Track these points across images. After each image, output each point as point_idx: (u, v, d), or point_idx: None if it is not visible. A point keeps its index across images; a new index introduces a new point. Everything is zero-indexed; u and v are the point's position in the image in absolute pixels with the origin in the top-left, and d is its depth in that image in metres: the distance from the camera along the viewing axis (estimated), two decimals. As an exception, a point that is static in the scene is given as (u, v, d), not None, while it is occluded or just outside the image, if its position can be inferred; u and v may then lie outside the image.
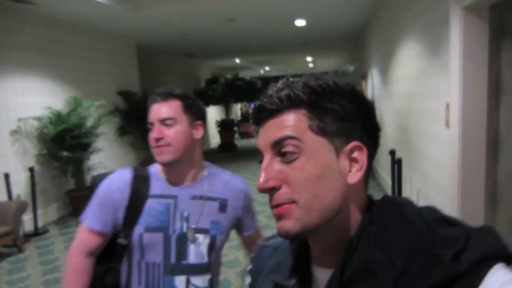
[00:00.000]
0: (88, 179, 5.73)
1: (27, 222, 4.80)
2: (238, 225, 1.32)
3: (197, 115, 1.22)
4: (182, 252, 1.18)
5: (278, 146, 0.53)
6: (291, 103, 0.54)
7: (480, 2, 2.33)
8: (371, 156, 0.57)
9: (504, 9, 2.40)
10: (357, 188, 0.55)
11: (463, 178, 2.70)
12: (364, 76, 8.02)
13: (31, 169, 4.78)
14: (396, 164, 3.78)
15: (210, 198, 1.23)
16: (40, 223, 5.00)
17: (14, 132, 4.80)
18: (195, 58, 11.55)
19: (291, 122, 0.53)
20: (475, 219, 2.68)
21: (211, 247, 1.21)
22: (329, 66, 17.50)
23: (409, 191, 4.27)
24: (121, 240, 1.20)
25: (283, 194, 0.52)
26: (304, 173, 0.52)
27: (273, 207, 0.54)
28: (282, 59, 14.01)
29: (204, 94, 11.33)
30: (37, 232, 4.78)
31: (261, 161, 0.56)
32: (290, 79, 0.57)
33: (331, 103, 0.54)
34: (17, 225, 4.18)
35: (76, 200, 5.44)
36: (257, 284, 0.67)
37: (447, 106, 2.84)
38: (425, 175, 3.58)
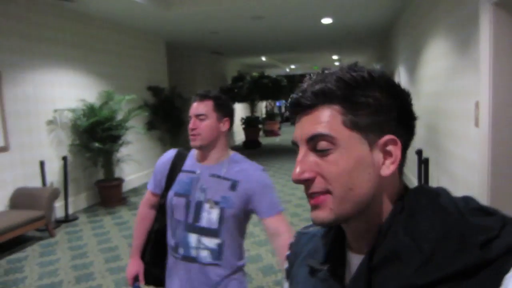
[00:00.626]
0: (117, 170, 5.93)
1: (58, 209, 5.03)
2: (252, 206, 1.49)
3: (225, 112, 1.54)
4: (196, 216, 1.49)
5: (312, 142, 0.55)
6: (325, 98, 0.55)
7: (513, -2, 2.27)
8: (406, 146, 0.58)
9: (538, 5, 2.33)
10: (391, 179, 0.56)
11: (493, 179, 2.64)
12: (391, 75, 7.89)
13: (64, 158, 5.01)
14: (423, 164, 3.71)
15: (225, 178, 1.50)
16: (71, 210, 5.23)
17: (50, 122, 5.04)
18: (222, 56, 11.67)
19: (325, 118, 0.54)
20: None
21: (221, 217, 1.47)
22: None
23: (435, 192, 4.19)
24: (162, 200, 1.62)
25: (318, 184, 0.54)
26: (338, 167, 0.53)
27: (309, 196, 0.56)
28: (308, 57, 13.95)
29: (230, 92, 11.44)
30: (68, 219, 5.01)
31: (297, 151, 0.58)
32: (326, 71, 0.58)
33: (365, 97, 0.54)
34: (49, 210, 4.39)
35: (104, 190, 5.65)
36: (293, 269, 0.70)
37: (477, 104, 2.78)
38: (454, 176, 3.51)
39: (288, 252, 0.75)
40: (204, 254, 1.47)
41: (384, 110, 0.55)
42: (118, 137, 5.62)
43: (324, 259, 0.61)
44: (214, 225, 1.47)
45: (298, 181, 0.55)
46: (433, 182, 4.16)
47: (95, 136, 5.33)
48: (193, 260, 1.48)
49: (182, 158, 1.61)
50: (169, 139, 8.12)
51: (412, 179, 5.29)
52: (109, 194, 5.66)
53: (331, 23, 7.01)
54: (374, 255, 0.52)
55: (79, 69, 5.59)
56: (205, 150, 1.53)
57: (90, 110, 5.34)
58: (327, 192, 0.54)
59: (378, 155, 0.55)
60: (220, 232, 1.47)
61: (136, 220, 1.74)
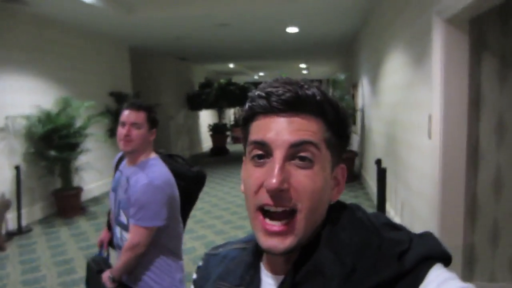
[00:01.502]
0: (76, 179, 5.70)
1: (11, 221, 4.76)
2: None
3: (154, 124, 1.72)
4: (118, 211, 1.72)
5: (296, 148, 0.51)
6: (317, 108, 0.53)
7: (461, 15, 2.38)
8: None
9: (483, 23, 2.46)
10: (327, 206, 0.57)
11: (443, 190, 2.74)
12: (355, 85, 8.10)
13: (17, 168, 4.75)
14: (382, 173, 3.81)
15: (127, 181, 1.68)
16: (24, 222, 4.95)
17: (1, 130, 4.77)
18: (189, 62, 11.57)
19: (314, 128, 0.53)
20: (455, 230, 2.71)
21: (125, 214, 1.68)
22: (322, 74, 17.63)
23: (394, 201, 4.31)
24: None
25: (292, 198, 0.51)
26: (314, 184, 0.51)
27: (271, 211, 0.51)
28: (276, 65, 14.09)
29: (197, 98, 11.34)
30: (21, 231, 4.74)
31: (258, 156, 0.53)
32: (288, 79, 0.55)
33: (338, 121, 0.55)
34: (0, 223, 4.13)
35: (62, 200, 5.40)
36: None
37: (430, 117, 2.88)
38: (409, 185, 3.62)
39: (194, 276, 0.71)
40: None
41: (346, 138, 0.57)
42: (77, 145, 5.41)
43: (238, 282, 0.59)
44: (125, 221, 1.67)
45: (276, 191, 0.49)
46: (391, 192, 4.28)
47: (51, 144, 5.10)
48: (121, 248, 1.70)
49: (122, 159, 1.86)
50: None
51: (372, 187, 5.42)
52: (66, 204, 5.42)
53: (297, 32, 7.11)
54: (298, 271, 0.52)
55: (34, 74, 5.34)
56: (132, 155, 1.70)
57: (46, 117, 5.12)
58: (294, 211, 0.51)
59: (332, 181, 0.56)
60: (128, 227, 1.66)
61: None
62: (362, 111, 7.14)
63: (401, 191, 3.98)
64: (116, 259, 1.75)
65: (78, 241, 4.45)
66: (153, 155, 1.74)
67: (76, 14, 5.43)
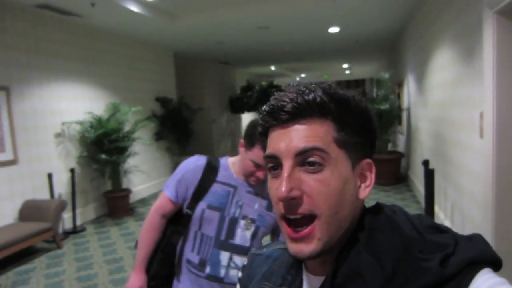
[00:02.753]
0: (124, 181, 5.98)
1: (67, 220, 5.09)
2: (276, 228, 1.48)
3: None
4: (230, 233, 1.42)
5: (303, 155, 0.51)
6: (320, 111, 0.53)
7: (514, 7, 2.23)
8: None
9: (540, 13, 2.28)
10: (362, 201, 0.56)
11: (497, 192, 2.57)
12: (400, 84, 7.81)
13: (72, 170, 5.07)
14: (429, 175, 3.65)
15: (262, 197, 1.46)
16: (79, 222, 5.28)
17: (58, 135, 5.12)
18: (230, 66, 11.75)
19: (320, 132, 0.52)
20: (511, 235, 2.54)
21: (254, 235, 1.43)
22: (366, 73, 17.18)
23: (443, 203, 4.10)
24: (188, 211, 1.47)
25: (306, 205, 0.51)
26: (328, 187, 0.51)
27: (291, 223, 0.52)
28: (318, 66, 13.93)
29: (239, 101, 11.48)
30: (76, 230, 5.05)
31: (272, 168, 0.54)
32: (311, 82, 0.56)
33: (352, 116, 0.54)
34: (57, 222, 4.43)
35: (112, 201, 5.69)
36: None
37: (481, 115, 2.72)
38: (460, 187, 3.44)
39: (239, 275, 0.73)
40: (234, 273, 1.40)
41: (366, 132, 0.56)
42: (125, 149, 5.67)
43: (281, 282, 0.59)
44: (247, 243, 1.42)
45: (286, 200, 0.51)
46: (440, 193, 4.08)
47: (102, 148, 5.39)
48: (220, 280, 1.40)
49: (214, 167, 1.49)
50: (177, 149, 8.17)
51: (420, 189, 5.20)
52: (116, 205, 5.70)
53: (338, 32, 7.00)
54: (337, 275, 0.51)
55: (86, 82, 5.69)
56: None
57: (98, 122, 5.42)
58: (313, 216, 0.51)
59: (357, 177, 0.54)
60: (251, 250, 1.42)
61: (143, 229, 1.53)
62: (408, 110, 6.87)
63: (451, 193, 3.78)
64: None
65: (127, 241, 4.66)
66: None
67: (124, 24, 5.71)
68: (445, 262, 0.46)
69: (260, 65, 12.29)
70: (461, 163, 3.36)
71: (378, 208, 0.56)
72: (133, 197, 6.36)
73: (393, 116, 7.01)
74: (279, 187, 0.51)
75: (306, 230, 0.51)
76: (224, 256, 1.40)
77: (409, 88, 6.70)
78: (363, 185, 0.55)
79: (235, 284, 1.30)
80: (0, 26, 4.35)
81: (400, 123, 7.69)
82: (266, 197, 1.44)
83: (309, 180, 0.51)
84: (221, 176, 1.47)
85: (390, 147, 7.69)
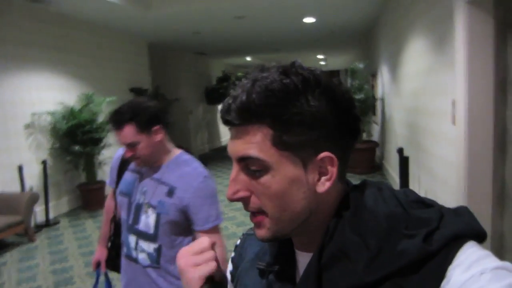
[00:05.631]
0: (99, 173, 5.84)
1: (39, 213, 4.94)
2: (187, 216, 1.43)
3: (151, 123, 1.41)
4: (136, 218, 1.47)
5: (243, 162, 0.52)
6: (253, 117, 0.50)
7: (485, -4, 2.30)
8: (350, 148, 0.56)
9: (509, 2, 2.37)
10: (329, 190, 0.53)
11: (470, 178, 2.66)
12: (374, 74, 7.96)
13: (44, 162, 4.91)
14: (404, 162, 3.75)
15: (162, 183, 1.45)
16: (52, 215, 5.13)
17: (28, 126, 4.93)
18: (206, 56, 11.62)
19: (254, 139, 0.50)
20: (483, 219, 2.64)
21: (157, 222, 1.42)
22: (340, 64, 17.40)
23: (417, 190, 4.23)
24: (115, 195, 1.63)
25: (253, 204, 0.53)
26: (270, 190, 0.51)
27: (251, 213, 0.55)
28: (293, 57, 13.77)
29: (215, 92, 11.40)
30: (49, 223, 4.91)
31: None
32: (257, 74, 0.52)
33: (297, 113, 0.49)
34: (28, 215, 4.29)
35: (86, 193, 5.56)
36: (239, 271, 0.68)
37: (453, 102, 2.81)
38: (433, 174, 3.55)
39: (232, 255, 0.73)
40: (143, 257, 1.45)
41: (320, 124, 0.50)
42: (99, 140, 5.54)
43: (273, 261, 0.59)
44: (151, 230, 1.43)
45: (232, 200, 0.53)
46: (415, 181, 4.21)
47: (75, 139, 5.25)
48: (134, 260, 1.47)
49: None
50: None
51: (394, 177, 5.35)
52: (91, 197, 5.57)
53: (313, 22, 7.04)
54: (323, 254, 0.51)
55: (58, 72, 5.48)
56: (152, 164, 1.50)
57: (70, 113, 5.25)
58: (262, 212, 0.53)
59: (313, 173, 0.52)
60: (157, 237, 1.42)
61: (104, 210, 1.86)
62: (382, 100, 7.02)
63: (424, 180, 3.91)
64: (125, 272, 1.53)
65: (103, 233, 4.57)
66: (179, 151, 1.53)
67: (95, 11, 5.52)
68: (430, 238, 0.46)
69: (237, 55, 12.23)
70: (434, 150, 3.47)
71: (364, 185, 0.56)
72: (108, 189, 6.23)
73: (368, 106, 7.14)
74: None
75: (257, 218, 0.54)
76: (132, 239, 1.47)
77: (383, 78, 6.84)
78: (323, 179, 0.52)
79: (146, 267, 1.44)
80: (-37, 11, 4.13)
81: (374, 113, 7.86)
82: (168, 183, 1.43)
83: (254, 183, 0.52)
84: (133, 164, 1.55)
85: (364, 136, 7.85)
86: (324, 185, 0.52)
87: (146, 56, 8.18)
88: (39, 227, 4.80)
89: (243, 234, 0.74)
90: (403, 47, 4.71)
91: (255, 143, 0.50)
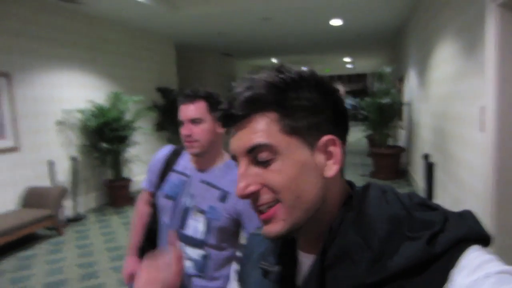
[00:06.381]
0: (125, 171, 6.00)
1: (68, 208, 5.12)
2: (238, 222, 1.36)
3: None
4: (183, 223, 1.39)
5: (252, 153, 0.52)
6: (257, 106, 0.52)
7: (519, 0, 2.22)
8: (344, 140, 0.58)
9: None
10: (334, 178, 0.55)
11: (498, 186, 2.58)
12: (401, 78, 7.81)
13: (73, 159, 5.09)
14: (430, 168, 3.66)
15: (214, 186, 1.37)
16: (80, 210, 5.31)
17: (59, 123, 5.13)
18: (232, 57, 11.72)
19: (261, 127, 0.52)
20: (510, 230, 2.56)
21: (208, 228, 1.34)
22: (368, 67, 17.13)
23: (442, 198, 4.12)
24: (154, 199, 1.54)
25: (265, 196, 0.52)
26: (282, 176, 0.51)
27: (258, 211, 0.54)
28: (320, 60, 13.89)
29: (240, 93, 11.46)
30: (77, 218, 5.09)
31: (237, 164, 0.56)
32: (252, 76, 0.55)
33: (298, 99, 0.53)
34: (58, 209, 4.47)
35: (113, 190, 5.72)
36: (245, 270, 0.69)
37: (482, 109, 2.73)
38: (460, 181, 3.45)
39: (239, 254, 0.74)
40: (188, 265, 1.36)
41: (319, 110, 0.54)
42: (126, 138, 5.69)
43: (276, 261, 0.60)
44: (200, 235, 1.35)
45: (243, 196, 0.53)
46: (440, 187, 4.10)
47: (103, 137, 5.41)
48: None
49: (177, 156, 1.51)
50: (177, 139, 8.16)
51: (420, 184, 5.22)
52: (117, 194, 5.73)
53: (341, 25, 6.97)
54: (327, 255, 0.52)
55: (88, 70, 5.68)
56: (201, 156, 1.39)
57: (99, 111, 5.42)
58: (276, 202, 0.52)
59: (319, 157, 0.54)
60: (204, 244, 1.35)
61: (133, 218, 1.69)
62: (409, 105, 6.87)
63: (450, 187, 3.80)
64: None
65: (127, 229, 4.69)
66: (227, 156, 1.43)
67: (125, 12, 5.69)
68: (433, 240, 0.46)
69: (262, 57, 12.26)
70: (462, 157, 3.38)
71: (368, 187, 0.56)
72: (134, 186, 6.39)
73: (394, 111, 7.01)
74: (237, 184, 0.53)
75: (270, 212, 0.53)
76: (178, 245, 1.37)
77: (411, 82, 6.70)
78: (329, 163, 0.54)
79: (191, 276, 1.35)
80: (3, 12, 4.34)
81: (401, 118, 7.70)
82: (220, 187, 1.36)
83: (265, 173, 0.52)
84: (179, 165, 1.47)
85: (390, 141, 7.70)
86: (331, 169, 0.54)
87: (173, 56, 8.34)
88: (67, 222, 4.98)
89: (249, 234, 0.76)
90: (432, 51, 4.61)
91: (262, 131, 0.52)
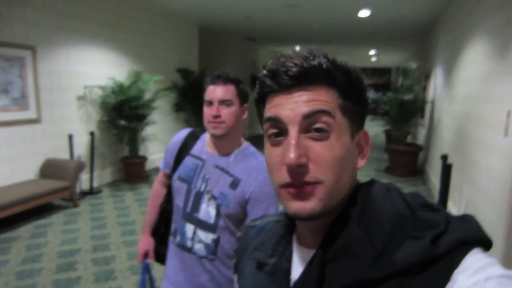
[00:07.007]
0: (141, 149, 6.09)
1: (84, 181, 5.25)
2: (246, 209, 1.36)
3: (245, 98, 1.42)
4: (195, 206, 1.40)
5: (309, 120, 0.51)
6: (326, 77, 0.52)
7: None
8: None
9: None
10: (356, 172, 0.57)
11: (516, 192, 2.52)
12: (427, 76, 7.60)
13: (92, 134, 5.19)
14: (447, 169, 3.59)
15: (227, 173, 1.38)
16: (96, 184, 5.44)
17: (80, 98, 5.21)
18: (255, 42, 11.61)
19: (326, 97, 0.51)
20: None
21: (218, 213, 1.36)
22: (392, 62, 16.74)
23: (458, 200, 4.05)
24: (170, 181, 1.56)
25: (310, 172, 0.50)
26: (333, 153, 0.50)
27: (295, 185, 0.51)
28: (344, 50, 13.63)
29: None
30: (92, 191, 5.21)
31: (274, 134, 0.53)
32: (307, 50, 0.54)
33: (353, 86, 0.54)
34: (74, 182, 4.58)
35: (128, 167, 5.82)
36: (241, 263, 0.69)
37: (509, 113, 2.64)
38: (476, 185, 3.38)
39: (236, 246, 0.74)
40: (199, 247, 1.38)
41: (364, 102, 0.55)
42: (144, 116, 5.75)
43: (271, 253, 0.60)
44: (211, 220, 1.36)
45: (294, 166, 0.49)
46: (456, 189, 4.02)
47: (122, 114, 5.48)
48: (188, 250, 1.40)
49: (194, 139, 1.52)
50: (195, 121, 8.23)
51: (435, 184, 5.13)
52: (132, 171, 5.83)
53: (368, 16, 6.80)
54: (327, 249, 0.52)
55: (111, 48, 5.73)
56: (224, 140, 1.40)
57: (119, 88, 5.48)
58: (317, 182, 0.50)
59: (355, 147, 0.55)
60: (216, 227, 1.36)
61: (149, 197, 1.72)
62: (433, 103, 6.71)
63: (467, 190, 3.72)
64: (174, 261, 1.45)
65: (140, 206, 4.79)
66: (246, 142, 1.48)
67: (152, -9, 5.67)
68: (436, 241, 0.46)
69: (286, 44, 12.11)
70: (481, 161, 3.29)
71: (372, 184, 0.56)
72: (149, 165, 6.49)
73: (416, 108, 6.86)
74: (286, 153, 0.50)
75: (308, 188, 0.50)
76: (189, 228, 1.40)
77: (436, 80, 6.52)
78: (360, 155, 0.56)
79: (202, 257, 1.37)
80: (31, -15, 4.39)
81: (422, 115, 7.53)
82: (233, 174, 1.37)
83: (315, 147, 0.50)
84: (195, 149, 1.48)
85: (409, 139, 7.56)
86: (362, 161, 0.56)
87: (195, 38, 8.32)
88: (83, 194, 5.12)
89: (245, 226, 0.75)
90: (462, 50, 4.46)
91: (326, 101, 0.52)
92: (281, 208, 0.61)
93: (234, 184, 1.35)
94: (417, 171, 6.92)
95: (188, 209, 1.41)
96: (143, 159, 5.93)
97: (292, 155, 0.49)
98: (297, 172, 0.50)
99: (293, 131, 0.50)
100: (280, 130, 0.52)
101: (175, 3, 6.41)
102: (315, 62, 0.51)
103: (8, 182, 4.25)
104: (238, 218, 1.37)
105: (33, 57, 4.46)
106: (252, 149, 1.46)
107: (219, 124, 1.34)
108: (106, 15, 5.56)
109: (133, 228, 4.08)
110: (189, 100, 7.81)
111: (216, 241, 1.37)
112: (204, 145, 1.47)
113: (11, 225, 3.98)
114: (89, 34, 5.28)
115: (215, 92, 1.35)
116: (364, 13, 6.58)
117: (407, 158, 6.74)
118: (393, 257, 0.47)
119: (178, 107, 7.57)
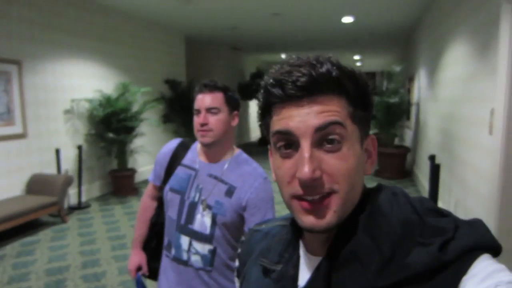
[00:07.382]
0: (130, 161, 6.03)
1: (72, 196, 5.16)
2: (243, 217, 1.35)
3: (234, 106, 1.41)
4: (190, 217, 1.37)
5: (321, 132, 0.49)
6: (336, 85, 0.50)
7: (534, 2, 2.18)
8: None
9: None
10: (364, 179, 0.55)
11: (504, 190, 2.56)
12: (411, 78, 7.73)
13: (79, 147, 5.12)
14: (435, 169, 3.63)
15: (222, 181, 1.37)
16: (84, 198, 5.35)
17: (67, 112, 5.15)
18: (241, 52, 11.68)
19: (336, 107, 0.50)
20: (514, 233, 2.53)
21: (213, 222, 1.34)
22: (377, 66, 16.99)
23: (447, 200, 4.09)
24: (161, 193, 1.52)
25: (325, 184, 0.49)
26: (347, 164, 0.49)
27: (308, 200, 0.50)
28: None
29: (248, 88, 11.42)
30: (80, 206, 5.13)
31: (284, 146, 0.51)
32: (312, 57, 0.52)
33: (360, 91, 0.52)
34: (62, 197, 4.50)
35: (117, 180, 5.75)
36: (245, 267, 0.68)
37: (492, 111, 2.69)
38: (465, 183, 3.42)
39: (239, 250, 0.73)
40: (196, 259, 1.36)
41: (370, 106, 0.54)
42: (132, 129, 5.71)
43: (278, 259, 0.59)
44: (207, 230, 1.34)
45: (310, 181, 0.48)
46: (445, 189, 4.07)
47: (110, 127, 5.43)
48: (185, 263, 1.37)
49: (184, 149, 1.49)
50: (184, 132, 8.19)
51: (425, 185, 5.18)
52: (121, 184, 5.76)
53: (352, 22, 6.91)
54: (334, 256, 0.51)
55: (97, 60, 5.70)
56: (214, 149, 1.39)
57: (107, 101, 5.44)
58: (332, 192, 0.49)
59: (364, 153, 0.54)
60: (212, 238, 1.34)
61: (138, 211, 1.68)
62: (418, 105, 6.81)
63: (455, 189, 3.76)
64: (168, 275, 1.42)
65: (130, 219, 4.72)
66: (238, 149, 1.46)
67: (137, 3, 5.68)
68: (444, 247, 0.46)
69: (271, 52, 12.20)
70: (468, 159, 3.34)
71: (379, 189, 0.55)
72: (138, 177, 6.42)
73: (402, 110, 6.95)
74: (299, 167, 0.48)
75: (324, 202, 0.49)
76: (184, 240, 1.36)
77: (420, 82, 6.63)
78: (369, 161, 0.55)
79: (199, 269, 1.34)
80: (17, 0, 4.35)
81: (408, 117, 7.63)
82: (227, 182, 1.35)
83: (329, 159, 0.49)
84: (186, 159, 1.46)
85: (397, 141, 7.65)
86: (370, 167, 0.55)
87: (182, 48, 8.33)
88: (71, 209, 5.03)
89: (249, 230, 0.74)
90: (443, 51, 4.55)
91: (337, 111, 0.50)
92: (279, 212, 0.60)
93: (230, 192, 1.34)
94: (406, 173, 6.98)
95: (182, 221, 1.38)
96: (132, 171, 5.87)
97: (306, 169, 0.47)
98: (311, 185, 0.49)
99: (305, 144, 0.49)
100: (291, 142, 0.50)
101: (162, 14, 6.42)
102: (324, 70, 0.49)
103: (-7, 200, 4.15)
104: (235, 226, 1.35)
105: (18, 71, 4.41)
106: (245, 156, 1.45)
107: (206, 132, 1.34)
108: (92, 27, 5.54)
109: (123, 242, 4.01)
110: (177, 111, 7.78)
111: (213, 252, 1.35)
112: (195, 154, 1.45)
113: (-3, 243, 3.89)
114: (75, 47, 5.24)
115: (203, 100, 1.35)
116: (347, 19, 6.68)
117: (395, 160, 6.80)
118: (401, 264, 0.46)
119: (166, 118, 7.53)
